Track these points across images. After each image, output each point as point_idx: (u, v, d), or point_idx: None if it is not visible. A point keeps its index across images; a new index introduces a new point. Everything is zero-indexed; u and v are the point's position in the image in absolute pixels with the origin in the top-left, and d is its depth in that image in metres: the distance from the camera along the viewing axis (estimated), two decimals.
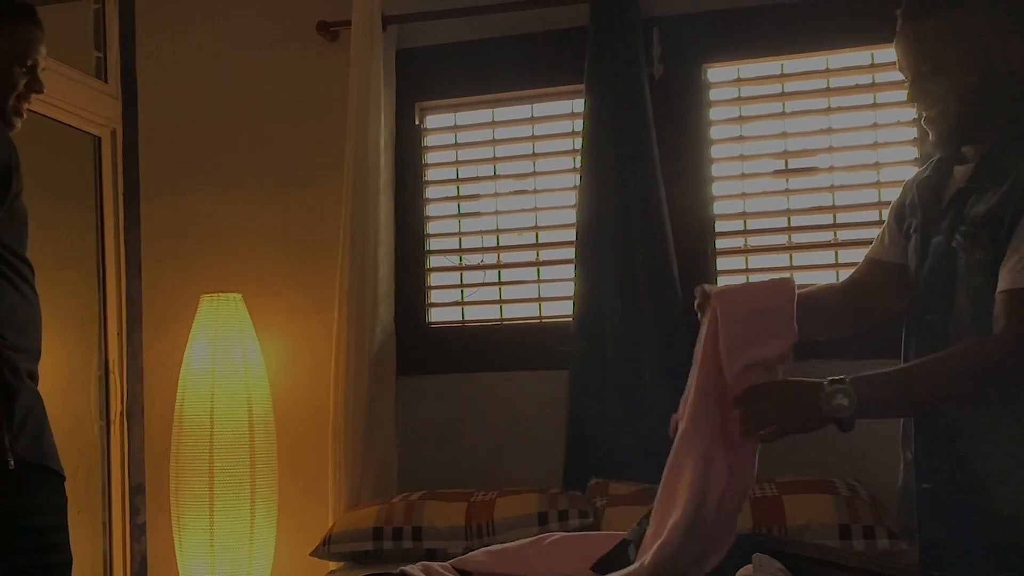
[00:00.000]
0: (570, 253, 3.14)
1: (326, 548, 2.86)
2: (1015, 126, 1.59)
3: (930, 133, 1.69)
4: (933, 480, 1.62)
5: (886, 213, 1.95)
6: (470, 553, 2.17)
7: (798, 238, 3.09)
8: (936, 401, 1.57)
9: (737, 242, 3.16)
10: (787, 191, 3.11)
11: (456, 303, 3.39)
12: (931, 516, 1.63)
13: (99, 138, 3.56)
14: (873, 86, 3.04)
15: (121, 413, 3.51)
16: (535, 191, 3.31)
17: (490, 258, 3.38)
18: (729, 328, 1.65)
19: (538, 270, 3.30)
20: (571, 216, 3.16)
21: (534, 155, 3.32)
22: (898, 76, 3.05)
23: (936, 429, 1.62)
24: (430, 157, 3.42)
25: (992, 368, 1.49)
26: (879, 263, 1.87)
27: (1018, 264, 1.47)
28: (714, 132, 3.15)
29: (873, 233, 2.02)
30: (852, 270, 1.98)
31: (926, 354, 1.61)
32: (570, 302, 3.11)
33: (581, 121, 3.12)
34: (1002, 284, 1.48)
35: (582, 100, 3.11)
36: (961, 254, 1.58)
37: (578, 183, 3.12)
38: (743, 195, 3.14)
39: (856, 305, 1.91)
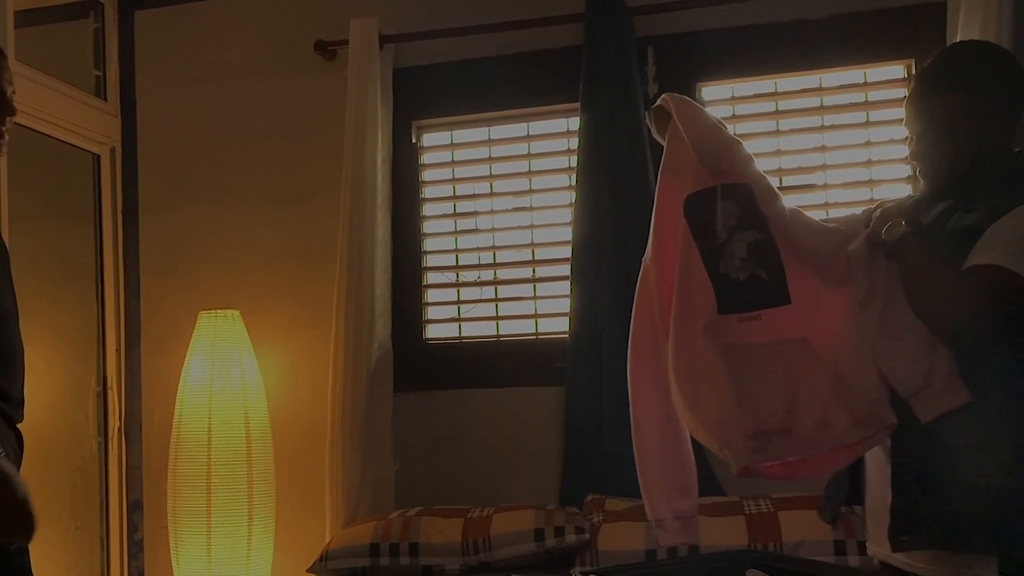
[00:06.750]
0: (566, 270, 3.15)
1: (323, 564, 2.87)
2: (991, 179, 1.80)
3: (922, 182, 1.90)
4: (906, 456, 1.77)
5: None
6: None
7: None
8: (925, 297, 1.72)
9: None
10: None
11: (453, 319, 3.40)
12: (903, 488, 1.77)
13: (98, 156, 3.58)
14: (866, 104, 3.07)
15: (119, 429, 3.52)
16: (531, 208, 3.33)
17: (487, 275, 3.39)
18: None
19: (534, 287, 3.32)
20: (567, 233, 3.18)
21: (530, 173, 3.35)
22: (892, 94, 3.10)
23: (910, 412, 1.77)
24: (427, 175, 3.44)
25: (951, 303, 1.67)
26: None
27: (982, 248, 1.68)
28: None
29: None
30: None
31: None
32: (566, 318, 3.13)
33: (577, 139, 3.15)
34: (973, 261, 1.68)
35: (578, 118, 3.14)
36: None
37: (574, 200, 3.14)
38: None
39: None
